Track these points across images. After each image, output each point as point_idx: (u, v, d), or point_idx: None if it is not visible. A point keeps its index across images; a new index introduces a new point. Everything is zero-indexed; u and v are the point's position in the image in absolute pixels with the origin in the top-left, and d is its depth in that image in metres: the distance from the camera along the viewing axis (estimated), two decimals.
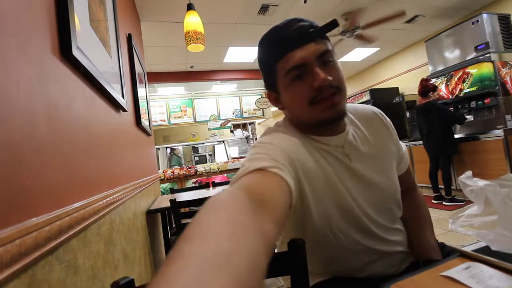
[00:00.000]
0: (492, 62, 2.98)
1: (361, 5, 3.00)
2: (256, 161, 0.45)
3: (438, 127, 3.00)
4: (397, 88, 4.95)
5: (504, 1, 3.27)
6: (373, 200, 0.59)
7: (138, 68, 1.87)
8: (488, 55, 3.02)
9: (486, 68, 3.02)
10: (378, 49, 4.60)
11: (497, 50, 3.06)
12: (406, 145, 3.85)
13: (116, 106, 1.12)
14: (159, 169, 4.47)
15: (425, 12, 3.45)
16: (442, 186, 3.14)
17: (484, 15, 3.06)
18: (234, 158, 5.58)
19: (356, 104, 0.70)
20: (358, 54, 4.72)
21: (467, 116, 3.13)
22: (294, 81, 0.54)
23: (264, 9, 2.86)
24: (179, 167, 4.58)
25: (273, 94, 0.61)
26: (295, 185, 0.46)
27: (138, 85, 1.77)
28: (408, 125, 4.57)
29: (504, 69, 3.02)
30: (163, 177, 4.09)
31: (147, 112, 2.26)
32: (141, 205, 1.45)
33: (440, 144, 3.04)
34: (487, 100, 3.03)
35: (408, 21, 3.64)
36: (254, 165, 0.44)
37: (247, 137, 7.36)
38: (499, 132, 2.81)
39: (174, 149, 6.83)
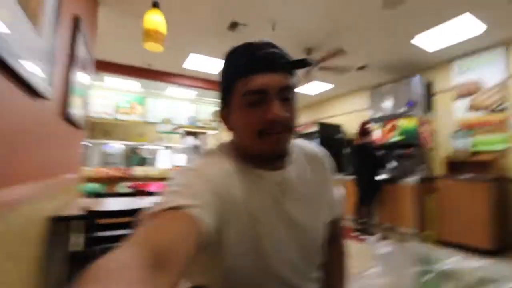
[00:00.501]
0: (416, 118, 3.52)
1: (326, 46, 3.26)
2: (174, 196, 0.42)
3: (367, 167, 3.39)
4: (341, 125, 5.45)
5: (430, 70, 3.94)
6: (298, 244, 0.56)
7: (82, 53, 1.67)
8: (414, 112, 3.56)
9: (411, 123, 3.55)
10: (332, 86, 5.05)
11: (421, 109, 3.63)
12: (340, 179, 4.26)
13: (33, 91, 0.95)
14: (88, 167, 3.97)
15: (373, 64, 3.94)
16: (365, 220, 3.47)
17: (415, 78, 3.64)
18: (178, 166, 5.31)
19: (303, 142, 0.68)
20: (314, 87, 5.09)
21: (389, 164, 3.60)
22: (250, 105, 0.51)
23: (233, 26, 2.90)
24: (113, 168, 4.15)
25: (225, 111, 0.57)
26: (215, 225, 0.43)
27: (78, 71, 1.57)
28: (345, 160, 5.01)
29: (424, 126, 3.58)
30: (91, 177, 3.65)
31: (84, 102, 2.01)
32: (45, 210, 1.23)
33: (367, 182, 3.42)
34: (409, 150, 3.54)
35: (359, 68, 4.10)
36: (169, 203, 0.40)
37: (196, 146, 7.13)
38: (413, 179, 3.27)
39: (136, 148, 6.21)
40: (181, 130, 5.97)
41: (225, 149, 0.58)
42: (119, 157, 6.43)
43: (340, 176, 4.35)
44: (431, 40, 3.14)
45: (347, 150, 4.89)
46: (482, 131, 3.31)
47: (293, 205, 0.56)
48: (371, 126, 3.70)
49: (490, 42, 3.21)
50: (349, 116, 5.41)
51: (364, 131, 3.51)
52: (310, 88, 5.08)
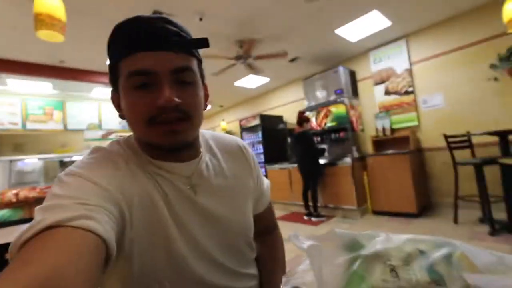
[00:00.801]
0: (345, 104, 3.83)
1: (256, 37, 3.27)
2: (52, 211, 0.33)
3: (308, 154, 3.54)
4: (281, 116, 5.63)
5: (353, 60, 4.34)
6: (221, 240, 0.52)
7: None
8: (342, 98, 3.87)
9: (341, 109, 3.85)
10: (268, 79, 5.15)
11: (348, 96, 3.97)
12: (286, 167, 4.41)
13: None
14: None
15: (303, 56, 4.13)
16: (311, 204, 3.66)
17: (340, 68, 3.95)
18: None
19: (220, 133, 0.65)
20: (252, 81, 5.11)
21: (323, 147, 3.87)
22: (137, 89, 0.43)
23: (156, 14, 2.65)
24: (28, 188, 3.47)
25: (116, 95, 0.49)
26: (115, 230, 0.37)
27: None
28: (289, 149, 5.21)
29: (352, 111, 3.93)
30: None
31: None
32: None
33: (309, 168, 3.59)
34: (342, 134, 3.84)
35: (291, 60, 4.25)
36: (46, 220, 0.31)
37: None
38: (348, 160, 3.56)
39: (63, 161, 5.24)
40: (114, 136, 5.36)
41: (123, 143, 0.51)
42: (37, 174, 5.43)
43: (284, 165, 4.50)
44: (350, 32, 3.44)
45: (289, 140, 5.09)
46: (398, 111, 3.80)
47: (207, 198, 0.51)
48: (307, 114, 3.89)
49: (395, 35, 3.70)
50: (287, 107, 5.62)
51: (302, 119, 3.65)
52: (249, 81, 5.08)
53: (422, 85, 3.61)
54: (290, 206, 4.40)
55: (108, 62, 0.49)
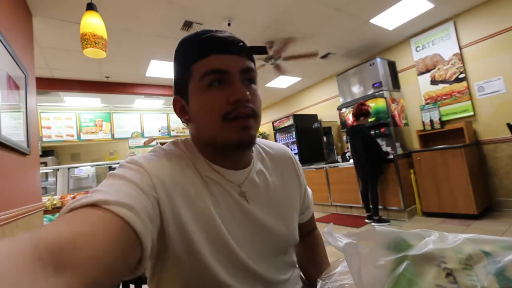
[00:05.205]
0: (385, 98, 3.57)
1: (285, 36, 3.22)
2: (102, 192, 0.34)
3: (363, 151, 3.11)
4: (316, 115, 5.46)
5: (392, 50, 4.04)
6: (268, 248, 0.52)
7: (8, 69, 1.47)
8: (381, 92, 3.60)
9: (380, 103, 3.59)
10: (300, 78, 5.04)
11: (388, 88, 3.68)
12: (323, 167, 4.24)
13: None
14: (56, 195, 3.67)
15: (336, 51, 3.96)
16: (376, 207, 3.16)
17: (378, 59, 3.69)
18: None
19: (270, 142, 0.66)
20: (283, 81, 5.06)
21: (389, 157, 3.26)
22: (211, 87, 0.46)
23: (187, 25, 2.77)
24: (83, 192, 3.85)
25: (181, 101, 0.51)
26: (157, 227, 0.39)
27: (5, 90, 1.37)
28: (325, 149, 5.02)
29: (393, 104, 3.64)
30: (60, 205, 3.37)
31: (28, 124, 1.80)
32: None
33: (366, 167, 3.16)
34: (383, 129, 3.57)
35: (323, 57, 4.11)
36: (91, 198, 0.33)
37: None
38: (392, 158, 3.29)
39: (114, 167, 5.81)
40: (154, 142, 5.76)
41: (182, 143, 0.53)
42: (91, 179, 6.04)
43: (321, 165, 4.34)
44: (387, 20, 3.19)
45: (326, 139, 4.91)
46: (448, 101, 3.42)
47: (256, 207, 0.52)
48: (344, 111, 3.66)
49: (439, 18, 3.36)
50: (321, 105, 5.44)
51: (359, 112, 3.17)
52: (280, 82, 5.04)
53: (476, 70, 3.20)
54: (328, 207, 4.22)
55: (173, 73, 0.52)
